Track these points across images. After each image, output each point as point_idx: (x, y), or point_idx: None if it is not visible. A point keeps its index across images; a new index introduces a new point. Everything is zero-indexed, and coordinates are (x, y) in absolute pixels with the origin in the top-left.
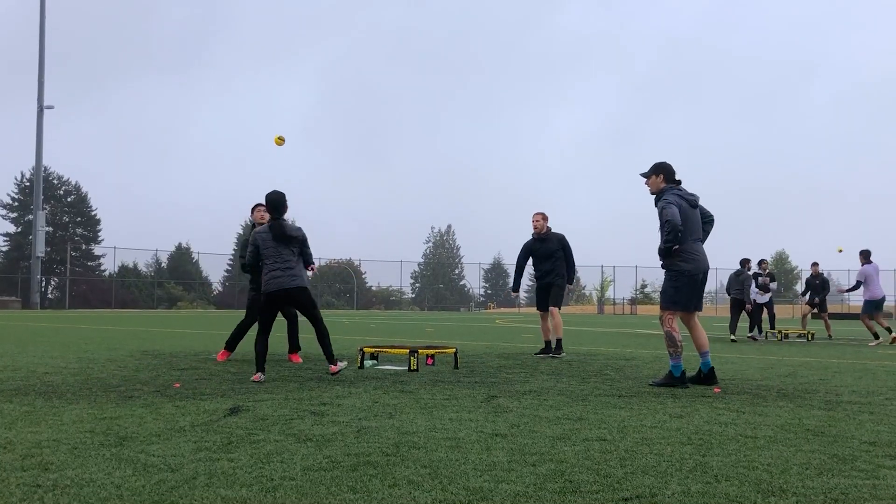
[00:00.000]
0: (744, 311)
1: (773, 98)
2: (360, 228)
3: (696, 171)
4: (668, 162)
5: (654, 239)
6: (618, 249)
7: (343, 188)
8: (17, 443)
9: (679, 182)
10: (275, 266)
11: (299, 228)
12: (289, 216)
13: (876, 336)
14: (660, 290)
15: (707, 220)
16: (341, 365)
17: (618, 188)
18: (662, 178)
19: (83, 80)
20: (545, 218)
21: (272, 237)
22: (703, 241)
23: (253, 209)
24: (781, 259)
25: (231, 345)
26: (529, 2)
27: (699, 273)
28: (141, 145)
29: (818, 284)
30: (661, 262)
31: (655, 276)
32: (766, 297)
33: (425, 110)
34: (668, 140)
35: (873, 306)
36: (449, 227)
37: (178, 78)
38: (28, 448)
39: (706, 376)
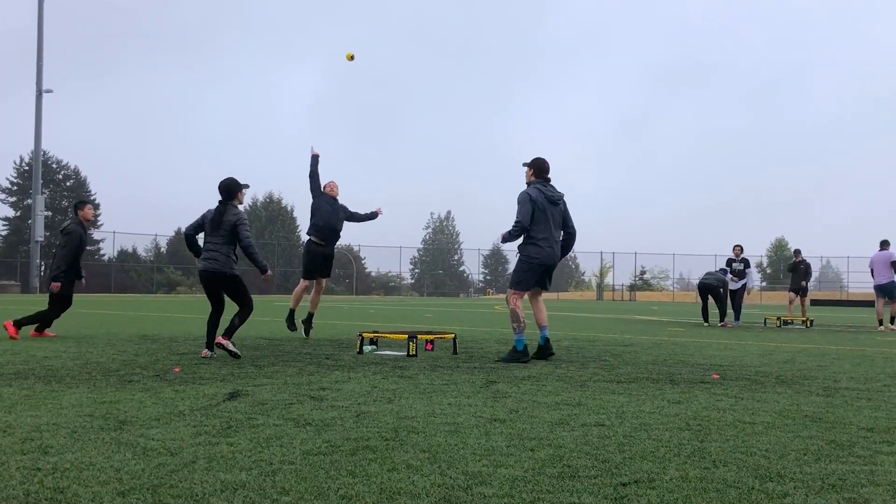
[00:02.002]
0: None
1: (781, 85)
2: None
3: (702, 157)
4: (543, 159)
5: (653, 225)
6: (617, 236)
7: (345, 173)
8: (17, 426)
9: (548, 179)
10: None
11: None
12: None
13: (881, 322)
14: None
15: (569, 232)
16: (230, 346)
17: (620, 175)
18: (533, 172)
19: (83, 64)
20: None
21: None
22: (565, 247)
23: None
24: (780, 246)
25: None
26: None
27: (545, 263)
28: (140, 130)
29: (802, 270)
30: (501, 239)
31: (654, 262)
32: (738, 284)
33: (431, 96)
34: (675, 127)
35: (877, 291)
36: (448, 212)
37: (181, 63)
38: (28, 432)
39: (541, 347)
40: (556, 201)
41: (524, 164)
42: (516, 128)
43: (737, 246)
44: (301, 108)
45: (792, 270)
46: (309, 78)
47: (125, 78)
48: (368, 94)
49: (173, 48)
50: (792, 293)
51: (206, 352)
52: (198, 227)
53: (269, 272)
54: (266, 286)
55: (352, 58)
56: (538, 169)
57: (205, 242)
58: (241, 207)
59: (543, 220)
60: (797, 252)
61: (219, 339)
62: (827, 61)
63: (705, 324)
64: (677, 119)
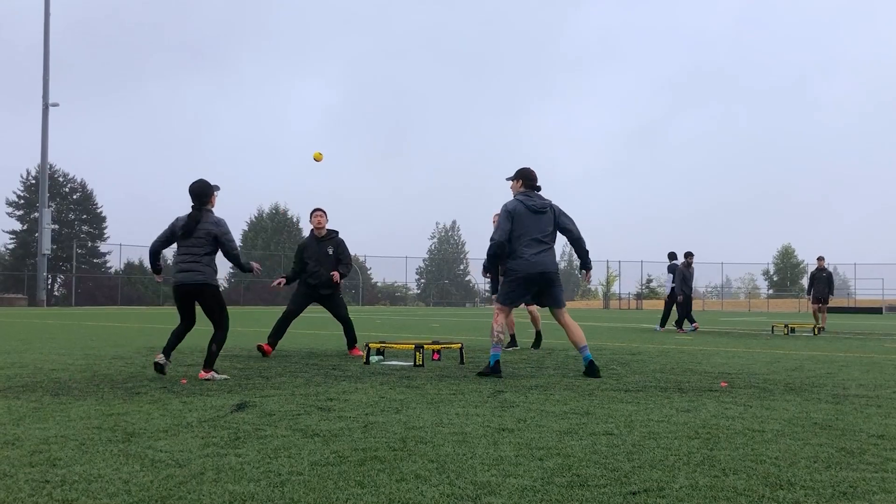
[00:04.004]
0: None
1: (790, 93)
2: (367, 224)
3: (708, 166)
4: (530, 168)
5: (658, 233)
6: (623, 244)
7: (352, 184)
8: (26, 439)
9: (538, 189)
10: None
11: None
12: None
13: None
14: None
15: (572, 238)
16: (216, 376)
17: (628, 184)
18: (521, 183)
19: (91, 78)
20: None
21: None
22: (579, 253)
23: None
24: (787, 253)
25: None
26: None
27: (526, 273)
28: (148, 142)
29: (824, 278)
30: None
31: (661, 270)
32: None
33: (443, 107)
34: (683, 136)
35: None
36: (454, 222)
37: (191, 76)
38: (36, 444)
39: (588, 370)
40: (538, 210)
41: (508, 179)
42: (527, 138)
43: (687, 253)
44: (313, 119)
45: (814, 279)
46: (322, 90)
47: (134, 91)
48: (381, 105)
49: (185, 61)
50: (815, 303)
51: (160, 356)
52: (166, 239)
53: (257, 265)
54: (274, 291)
55: (320, 157)
56: (526, 178)
57: (179, 254)
58: (214, 212)
59: (524, 231)
60: (820, 259)
61: (201, 374)
62: (836, 69)
63: (660, 329)
64: (685, 128)
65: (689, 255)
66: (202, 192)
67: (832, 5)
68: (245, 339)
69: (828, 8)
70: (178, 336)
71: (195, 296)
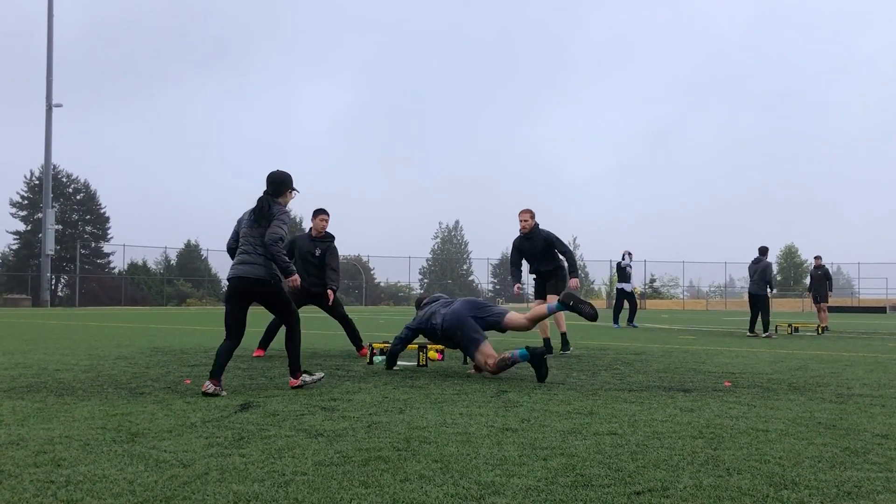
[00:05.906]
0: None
1: (798, 95)
2: (370, 224)
3: (713, 166)
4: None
5: (662, 232)
6: (627, 244)
7: (356, 184)
8: (30, 439)
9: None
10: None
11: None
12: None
13: None
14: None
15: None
16: (308, 378)
17: (635, 185)
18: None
19: (101, 79)
20: (532, 216)
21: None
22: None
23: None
24: (791, 252)
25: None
26: (567, 1)
27: None
28: (155, 144)
29: (820, 275)
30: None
31: (664, 270)
32: (628, 286)
33: (453, 110)
34: (692, 138)
35: None
36: (457, 222)
37: (199, 79)
38: (40, 444)
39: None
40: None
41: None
42: (536, 140)
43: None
44: (324, 121)
45: (812, 279)
46: (334, 92)
47: (144, 93)
48: (391, 107)
49: (196, 64)
50: (814, 303)
51: (208, 385)
52: (237, 235)
53: (296, 277)
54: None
55: None
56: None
57: (241, 244)
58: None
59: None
60: (817, 258)
61: (291, 382)
62: (847, 72)
63: (750, 334)
64: (697, 131)
65: (763, 249)
66: (281, 183)
67: (842, 10)
68: (246, 340)
69: (838, 12)
70: (226, 355)
71: (253, 293)
